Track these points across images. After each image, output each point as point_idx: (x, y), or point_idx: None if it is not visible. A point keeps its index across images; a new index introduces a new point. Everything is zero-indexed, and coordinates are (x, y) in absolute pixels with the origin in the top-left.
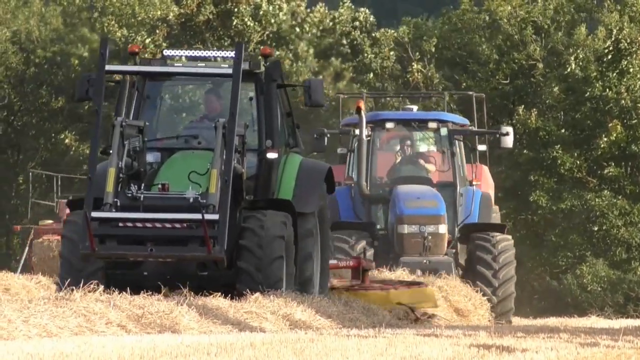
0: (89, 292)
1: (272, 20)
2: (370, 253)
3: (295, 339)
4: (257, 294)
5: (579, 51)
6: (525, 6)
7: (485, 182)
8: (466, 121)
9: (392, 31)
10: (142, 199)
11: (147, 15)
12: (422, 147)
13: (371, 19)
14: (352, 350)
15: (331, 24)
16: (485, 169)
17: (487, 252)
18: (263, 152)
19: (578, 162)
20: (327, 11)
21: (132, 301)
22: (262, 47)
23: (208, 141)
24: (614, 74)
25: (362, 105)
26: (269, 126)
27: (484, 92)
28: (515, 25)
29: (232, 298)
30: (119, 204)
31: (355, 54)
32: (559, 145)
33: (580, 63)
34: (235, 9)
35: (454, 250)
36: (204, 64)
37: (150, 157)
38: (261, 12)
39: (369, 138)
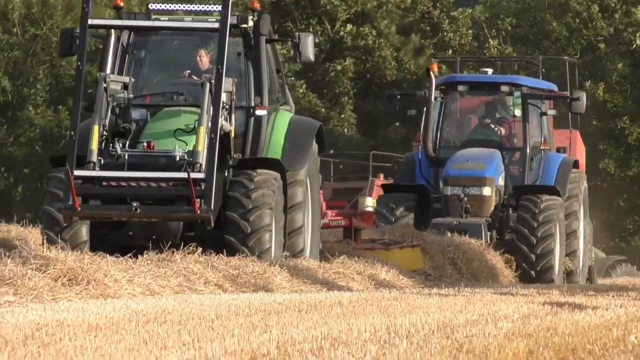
0: (188, 254)
1: (357, 1)
2: (408, 218)
3: (380, 298)
4: (344, 256)
5: None
6: None
7: (578, 147)
8: (553, 86)
9: (470, 10)
10: (126, 157)
11: None
12: (499, 111)
13: None
14: (434, 308)
15: (412, 3)
16: (578, 135)
17: (529, 211)
18: (252, 110)
19: None
20: None
21: (228, 262)
22: (250, 1)
23: (195, 98)
24: None
25: (435, 67)
26: (258, 82)
27: (555, 67)
28: (583, 4)
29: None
30: (102, 162)
31: (435, 32)
32: (626, 117)
33: None
34: None
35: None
36: (190, 18)
37: (136, 114)
38: None
39: (441, 100)
